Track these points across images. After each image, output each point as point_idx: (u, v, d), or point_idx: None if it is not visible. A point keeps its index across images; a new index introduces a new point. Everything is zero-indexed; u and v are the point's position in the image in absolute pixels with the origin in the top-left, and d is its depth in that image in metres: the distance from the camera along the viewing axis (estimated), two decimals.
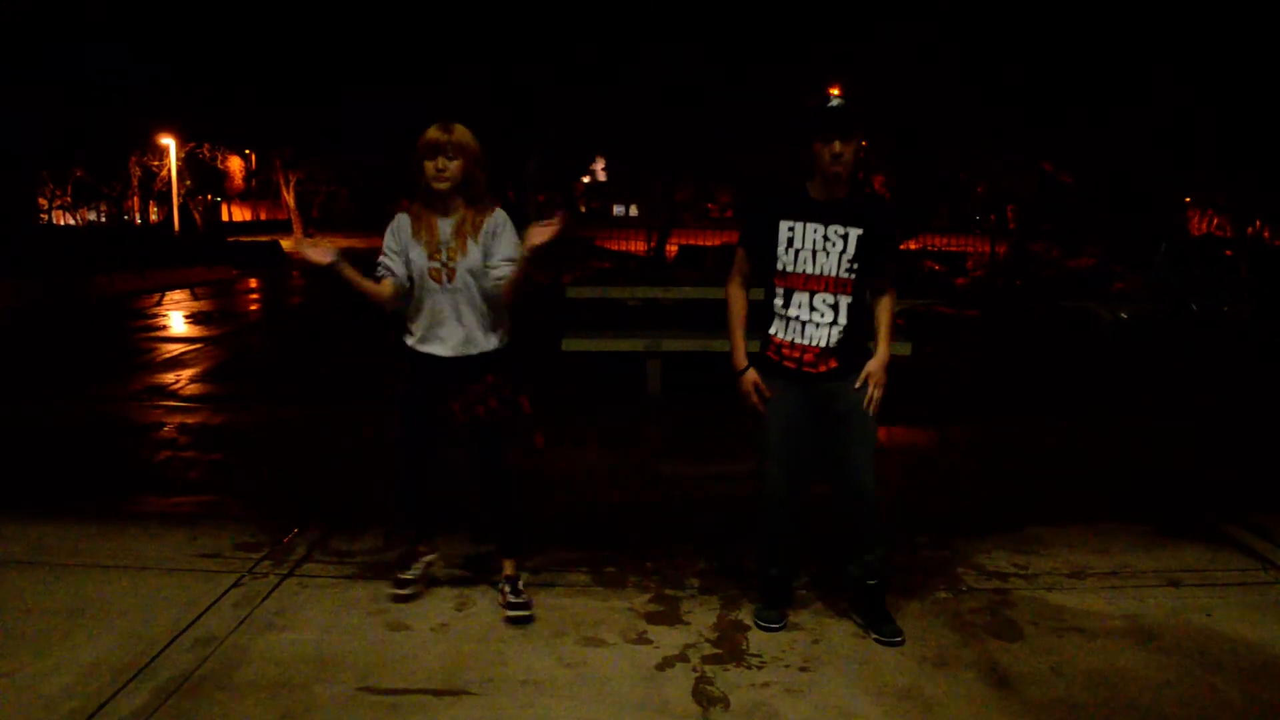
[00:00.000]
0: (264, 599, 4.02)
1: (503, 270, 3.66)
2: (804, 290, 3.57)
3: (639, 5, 20.78)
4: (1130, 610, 3.99)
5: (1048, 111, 19.49)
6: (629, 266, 22.63)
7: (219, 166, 45.18)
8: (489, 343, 3.78)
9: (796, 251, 3.55)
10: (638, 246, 26.40)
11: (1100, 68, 18.45)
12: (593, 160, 49.43)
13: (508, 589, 3.94)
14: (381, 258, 3.82)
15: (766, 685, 3.38)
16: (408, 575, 4.08)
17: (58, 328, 13.85)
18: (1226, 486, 5.84)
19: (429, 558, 4.17)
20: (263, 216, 56.20)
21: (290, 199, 45.24)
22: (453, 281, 3.69)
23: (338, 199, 49.11)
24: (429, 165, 3.63)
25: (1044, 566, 4.49)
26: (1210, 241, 21.25)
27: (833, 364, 3.59)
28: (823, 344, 3.58)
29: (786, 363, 3.63)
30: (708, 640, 3.71)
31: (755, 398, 3.69)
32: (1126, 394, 9.07)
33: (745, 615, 3.92)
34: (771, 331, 3.68)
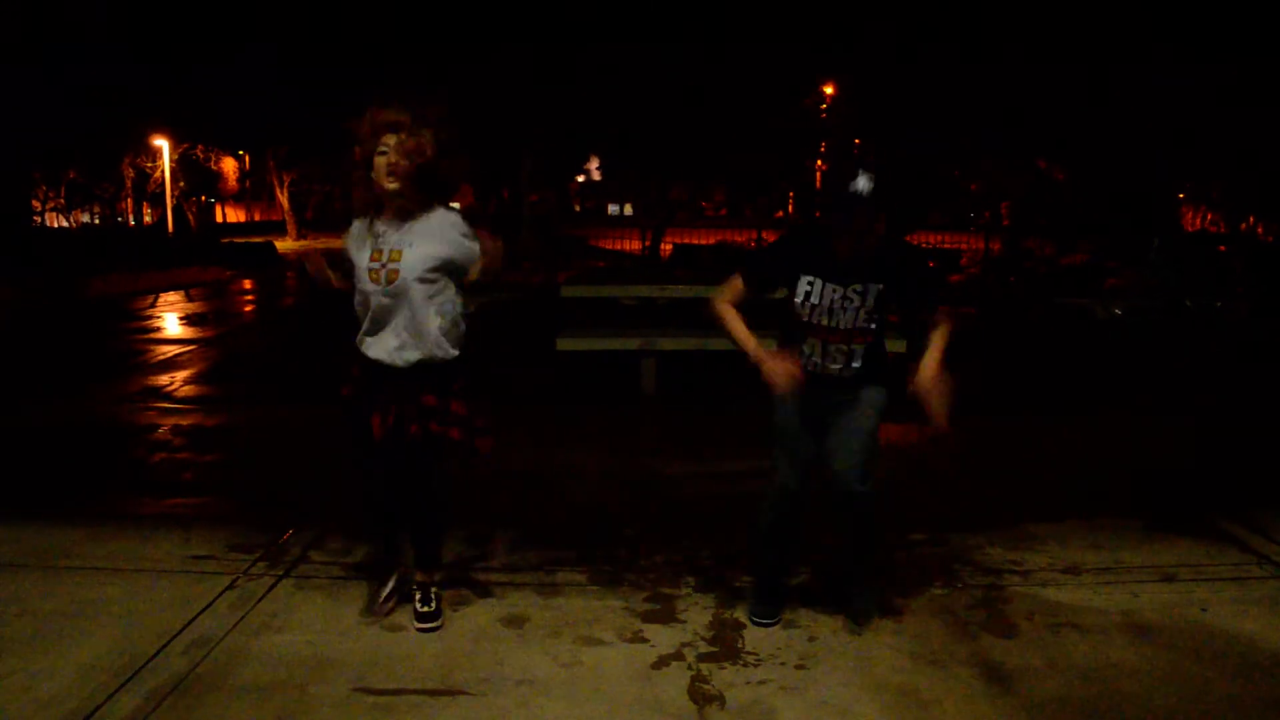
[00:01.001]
0: (259, 600, 4.01)
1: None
2: (817, 339, 3.54)
3: (633, 4, 20.77)
4: (1125, 606, 4.00)
5: (1042, 108, 19.52)
6: (624, 265, 22.61)
7: (213, 168, 45.17)
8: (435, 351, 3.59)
9: (814, 306, 3.49)
10: (632, 245, 26.43)
11: (1094, 64, 18.47)
12: (587, 159, 49.42)
13: (418, 595, 3.81)
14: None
15: (763, 683, 3.38)
16: (384, 592, 3.91)
17: (51, 330, 13.83)
18: (1221, 482, 5.85)
19: (400, 574, 3.98)
20: (257, 217, 56.18)
21: (284, 200, 45.23)
22: (393, 284, 3.53)
23: (332, 200, 49.02)
24: (379, 161, 3.50)
25: (1039, 562, 4.49)
26: (1204, 238, 21.32)
27: (854, 372, 3.57)
28: (835, 371, 3.57)
29: (807, 366, 3.56)
30: (703, 639, 3.71)
31: (784, 365, 3.44)
32: (1121, 390, 9.08)
33: (741, 614, 3.92)
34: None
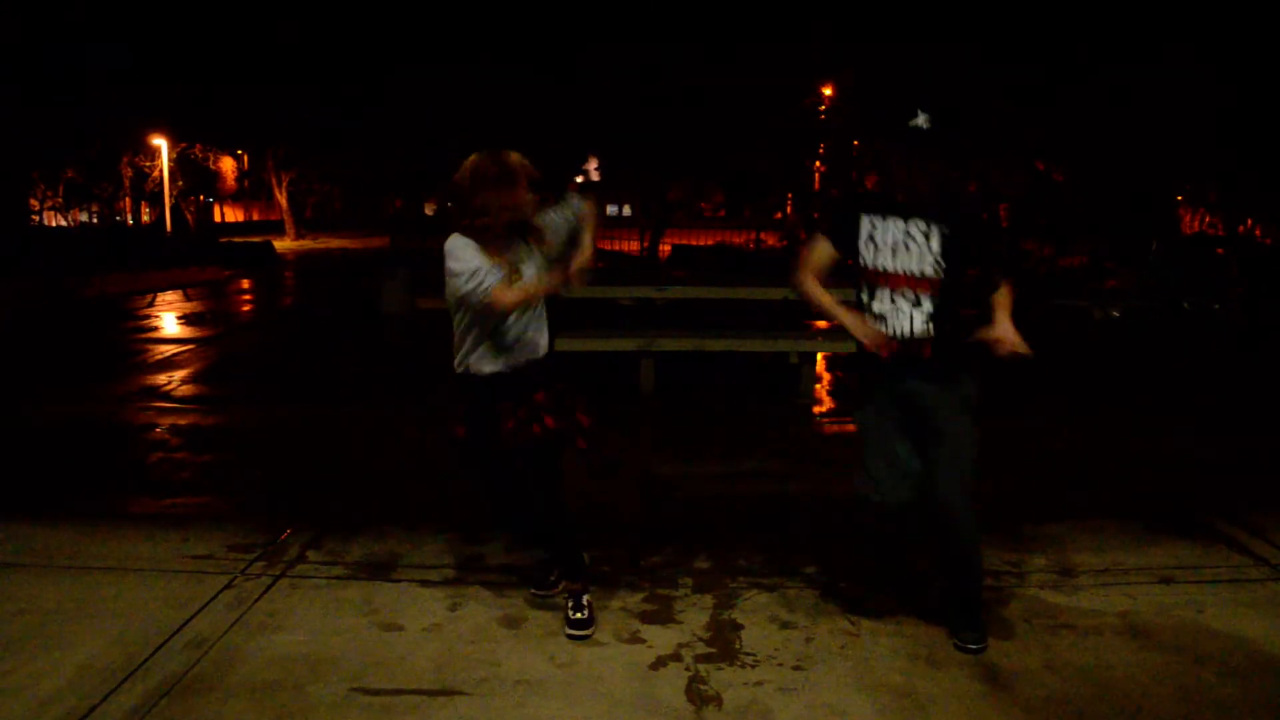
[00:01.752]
0: (257, 600, 4.01)
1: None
2: (884, 286, 3.45)
3: (633, 4, 20.79)
4: (1122, 607, 4.00)
5: (1041, 108, 19.53)
6: (622, 266, 22.61)
7: (211, 167, 45.15)
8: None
9: (877, 248, 3.44)
10: (631, 246, 26.41)
11: (1094, 65, 18.49)
12: (586, 159, 49.48)
13: (570, 603, 3.81)
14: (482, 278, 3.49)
15: (760, 684, 3.38)
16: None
17: (50, 329, 13.82)
18: (1218, 484, 5.85)
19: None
20: (255, 217, 56.14)
21: (283, 199, 45.22)
22: None
23: (331, 199, 49.05)
24: (491, 198, 3.49)
25: (1036, 564, 4.50)
26: (1202, 240, 21.34)
27: (925, 352, 3.45)
28: (906, 332, 3.44)
29: (880, 354, 3.48)
30: (701, 639, 3.71)
31: (876, 331, 3.46)
32: (1119, 392, 9.09)
33: (738, 614, 3.92)
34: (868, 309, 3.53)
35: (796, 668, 3.49)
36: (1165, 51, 17.49)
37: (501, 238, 3.57)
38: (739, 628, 3.81)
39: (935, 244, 3.37)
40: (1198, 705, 3.24)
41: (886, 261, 3.43)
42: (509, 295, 3.46)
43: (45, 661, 3.44)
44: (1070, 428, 7.42)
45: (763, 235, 29.11)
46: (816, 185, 28.53)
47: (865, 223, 3.48)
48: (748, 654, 3.59)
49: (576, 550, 3.86)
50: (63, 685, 3.28)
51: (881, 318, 3.47)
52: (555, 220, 3.80)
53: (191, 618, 3.82)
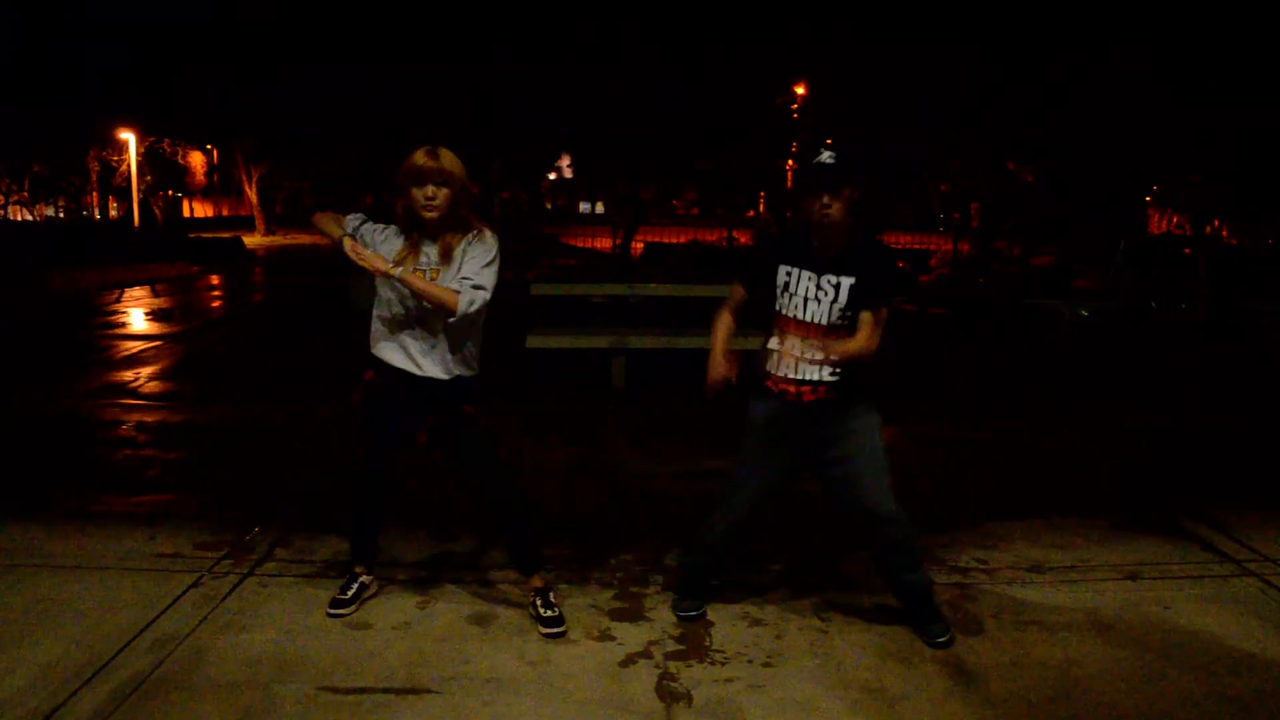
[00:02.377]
0: (224, 598, 3.98)
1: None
2: (795, 335, 3.53)
3: (606, 3, 20.78)
4: (1089, 604, 4.04)
5: (1010, 109, 19.67)
6: (594, 263, 22.59)
7: (180, 162, 44.72)
8: (457, 369, 3.66)
9: (791, 296, 3.54)
10: (603, 244, 26.37)
11: (1062, 65, 18.64)
12: (558, 157, 49.37)
13: (539, 601, 3.82)
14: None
15: (730, 681, 3.38)
16: (346, 595, 3.92)
17: (13, 325, 13.64)
18: (1184, 481, 5.92)
19: (365, 578, 4.00)
20: (225, 213, 55.70)
21: (253, 195, 44.85)
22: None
23: (301, 195, 48.67)
24: (416, 193, 3.49)
25: (1005, 561, 4.53)
26: (1169, 240, 21.53)
27: (827, 394, 3.54)
28: (813, 377, 3.54)
29: (782, 386, 3.59)
30: (671, 637, 3.71)
31: (719, 370, 3.61)
32: (1087, 391, 9.17)
33: (709, 611, 3.92)
34: (768, 367, 3.64)
35: (766, 664, 3.50)
36: (1135, 51, 17.65)
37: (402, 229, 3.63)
38: (709, 625, 3.81)
39: (844, 295, 3.47)
40: (1164, 700, 3.28)
41: (798, 311, 3.53)
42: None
43: (6, 661, 3.40)
44: (1038, 426, 7.47)
45: (735, 233, 29.14)
46: (789, 183, 28.60)
47: (781, 273, 3.57)
48: (718, 651, 3.60)
49: (535, 542, 3.89)
50: (24, 685, 3.24)
51: (789, 363, 3.56)
52: (472, 251, 3.59)
53: (158, 616, 3.78)
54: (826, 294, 3.48)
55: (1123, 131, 18.60)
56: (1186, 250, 17.83)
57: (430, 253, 3.57)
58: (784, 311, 3.56)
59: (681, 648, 3.62)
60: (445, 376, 3.63)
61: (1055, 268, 19.66)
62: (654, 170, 29.13)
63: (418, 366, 3.61)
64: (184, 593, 4.02)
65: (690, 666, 3.48)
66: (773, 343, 3.62)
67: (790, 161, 28.30)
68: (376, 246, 3.60)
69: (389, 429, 3.75)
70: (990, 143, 21.49)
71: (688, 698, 3.27)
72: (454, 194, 3.51)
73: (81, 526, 4.83)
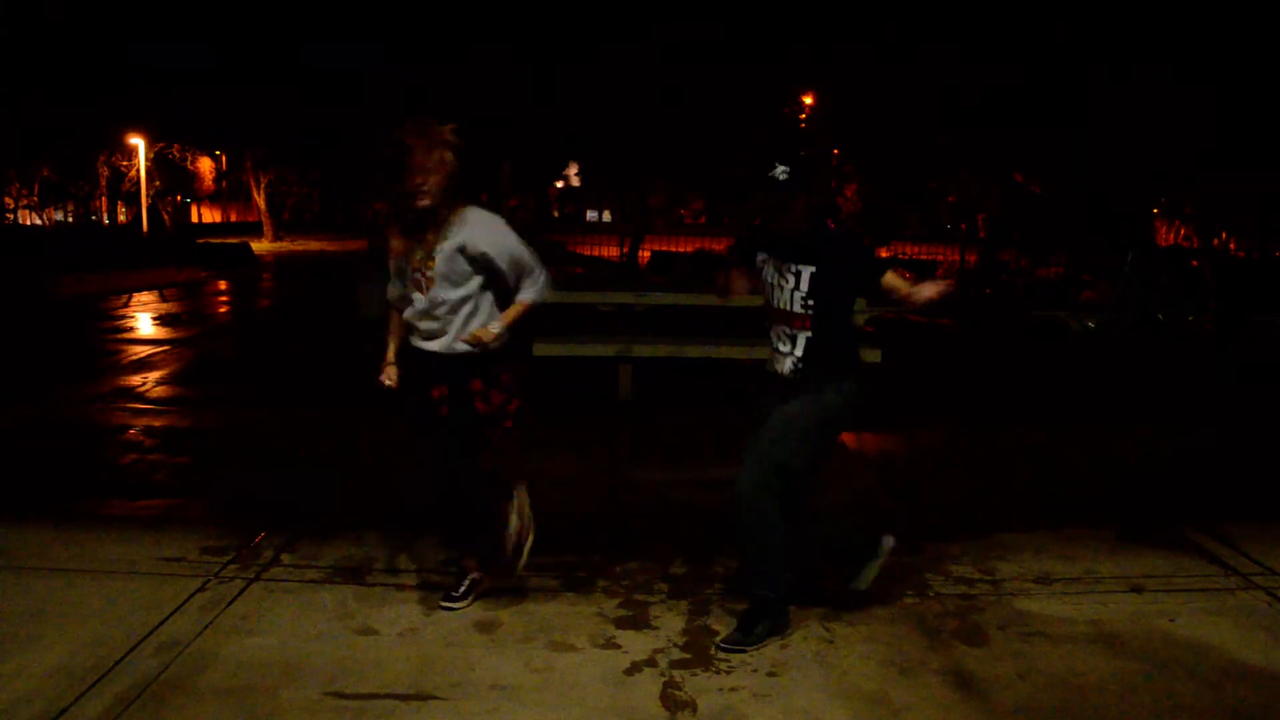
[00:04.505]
0: (230, 603, 3.99)
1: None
2: (771, 322, 3.81)
3: (614, 10, 20.82)
4: (1094, 615, 4.03)
5: (1018, 122, 19.67)
6: (601, 272, 22.61)
7: (189, 167, 44.81)
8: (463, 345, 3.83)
9: (766, 283, 3.80)
10: (610, 252, 26.39)
11: (1071, 78, 18.63)
12: (566, 165, 49.44)
13: (460, 583, 4.05)
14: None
15: (734, 690, 3.38)
16: (456, 595, 4.04)
17: (23, 329, 13.68)
18: (1191, 493, 5.90)
19: (475, 574, 4.10)
20: (233, 218, 55.84)
21: (261, 201, 45.00)
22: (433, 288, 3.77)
23: (309, 201, 48.80)
24: (408, 184, 3.65)
25: (1010, 572, 4.52)
26: (1177, 252, 21.50)
27: (795, 380, 3.74)
28: (784, 372, 3.76)
29: (767, 366, 3.86)
30: (676, 645, 3.71)
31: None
32: (1093, 402, 9.15)
33: (714, 620, 3.93)
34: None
35: (771, 674, 3.50)
36: (1143, 64, 17.64)
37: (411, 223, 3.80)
38: (714, 634, 3.81)
39: (804, 284, 3.66)
40: (1169, 713, 3.27)
41: (771, 297, 3.79)
42: None
43: (13, 664, 3.41)
44: (1044, 437, 7.46)
45: None
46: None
47: (759, 258, 3.84)
48: (723, 660, 3.60)
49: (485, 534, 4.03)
50: (32, 688, 3.25)
51: (772, 350, 3.84)
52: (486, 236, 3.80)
53: (164, 620, 3.79)
54: (788, 282, 3.68)
55: (1131, 142, 18.57)
56: (1194, 262, 17.82)
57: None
58: (767, 297, 3.82)
59: (687, 656, 3.62)
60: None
61: (1062, 279, 19.66)
62: (662, 178, 29.13)
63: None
64: (190, 597, 4.03)
65: (695, 675, 3.48)
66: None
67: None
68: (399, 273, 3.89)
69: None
70: (997, 154, 21.47)
71: (692, 706, 3.27)
72: (443, 179, 3.67)
73: (88, 530, 4.84)
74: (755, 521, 3.70)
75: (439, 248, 3.71)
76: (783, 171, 3.62)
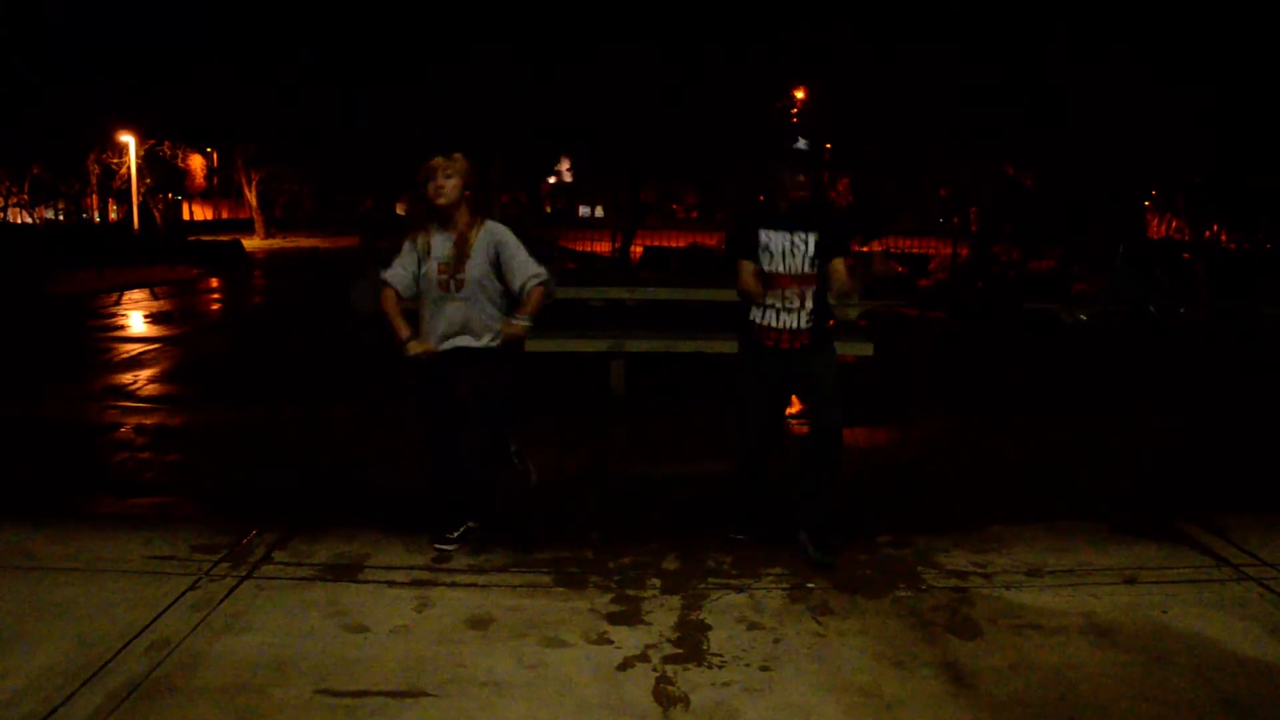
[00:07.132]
0: (221, 601, 3.97)
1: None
2: (778, 286, 4.33)
3: (605, 5, 20.78)
4: (1087, 608, 4.03)
5: (1009, 115, 19.67)
6: (594, 267, 22.57)
7: (180, 164, 44.66)
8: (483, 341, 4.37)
9: (772, 255, 4.34)
10: (603, 247, 26.34)
11: (1061, 70, 18.65)
12: (558, 160, 49.33)
13: (454, 532, 4.67)
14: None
15: (727, 685, 3.38)
16: (452, 535, 4.59)
17: (13, 327, 13.64)
18: (1183, 485, 5.92)
19: (471, 523, 4.62)
20: (224, 215, 55.60)
21: (253, 198, 44.85)
22: (462, 290, 4.28)
23: (301, 198, 48.64)
24: (430, 185, 4.22)
25: (1003, 565, 4.52)
26: (1168, 245, 21.55)
27: (805, 340, 4.36)
28: (794, 326, 4.35)
29: (766, 340, 4.39)
30: (669, 640, 3.71)
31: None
32: (1086, 395, 9.16)
33: (707, 615, 3.92)
34: (751, 317, 4.43)
35: (764, 668, 3.50)
36: (1133, 56, 17.65)
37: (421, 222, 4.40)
38: (707, 628, 3.81)
39: (812, 248, 4.33)
40: (1161, 705, 3.27)
41: (779, 265, 4.34)
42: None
43: (3, 664, 3.40)
44: (1037, 430, 7.47)
45: None
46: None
47: (762, 235, 4.38)
48: (715, 655, 3.59)
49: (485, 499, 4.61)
50: (21, 688, 3.24)
51: (775, 311, 4.37)
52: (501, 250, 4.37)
53: (154, 619, 3.78)
54: (800, 248, 4.32)
55: (1122, 136, 18.57)
56: (1186, 254, 17.85)
57: (444, 245, 4.30)
58: (765, 267, 4.34)
59: (679, 651, 3.62)
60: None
61: (1054, 272, 19.67)
62: (654, 173, 29.08)
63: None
64: (181, 595, 4.02)
65: (687, 670, 3.48)
66: (754, 313, 4.43)
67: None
68: (408, 270, 4.38)
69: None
70: (989, 147, 21.47)
71: (685, 701, 3.27)
72: (463, 183, 4.24)
73: (78, 528, 4.82)
74: (840, 455, 4.44)
75: (473, 246, 4.27)
76: (805, 144, 4.33)
